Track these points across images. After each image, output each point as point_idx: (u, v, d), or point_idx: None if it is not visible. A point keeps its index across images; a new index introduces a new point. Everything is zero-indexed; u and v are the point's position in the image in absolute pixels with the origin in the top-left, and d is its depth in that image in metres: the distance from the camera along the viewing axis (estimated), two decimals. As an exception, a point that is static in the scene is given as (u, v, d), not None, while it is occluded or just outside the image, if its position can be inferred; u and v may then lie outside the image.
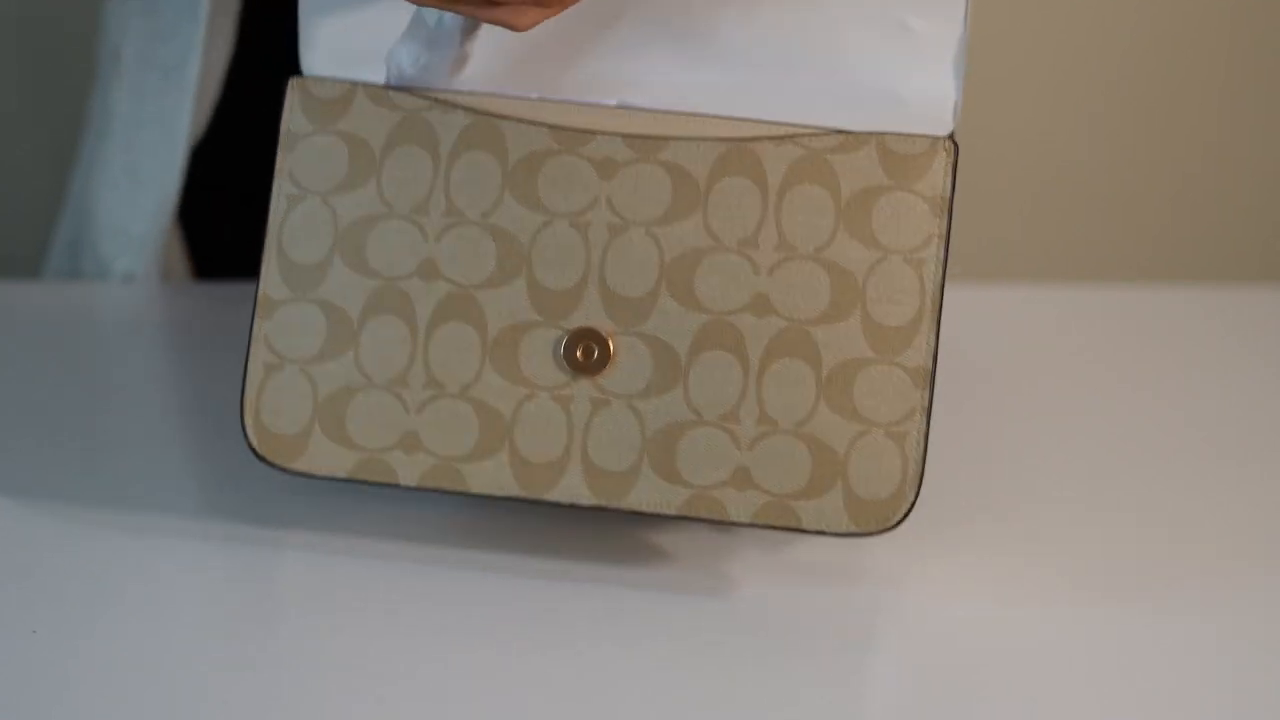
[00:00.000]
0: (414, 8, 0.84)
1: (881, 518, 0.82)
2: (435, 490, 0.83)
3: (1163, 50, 1.79)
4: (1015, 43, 1.78)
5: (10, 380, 1.07)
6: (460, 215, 0.84)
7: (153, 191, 1.16)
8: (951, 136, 0.85)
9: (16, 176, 1.67)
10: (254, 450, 0.84)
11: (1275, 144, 1.81)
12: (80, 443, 0.97)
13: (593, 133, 0.84)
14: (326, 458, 0.84)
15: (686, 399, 0.83)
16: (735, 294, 0.83)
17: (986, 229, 1.75)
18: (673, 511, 0.83)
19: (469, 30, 0.84)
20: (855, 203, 0.83)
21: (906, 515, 0.82)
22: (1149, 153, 1.81)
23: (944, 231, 0.83)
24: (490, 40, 0.87)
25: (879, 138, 0.84)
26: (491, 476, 0.83)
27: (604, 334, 0.83)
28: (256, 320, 0.84)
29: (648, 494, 0.83)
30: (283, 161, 0.85)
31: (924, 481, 0.83)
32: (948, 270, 0.84)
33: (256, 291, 0.85)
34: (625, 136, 0.84)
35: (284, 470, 0.84)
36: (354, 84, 0.85)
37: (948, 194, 0.84)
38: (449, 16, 0.84)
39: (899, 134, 0.84)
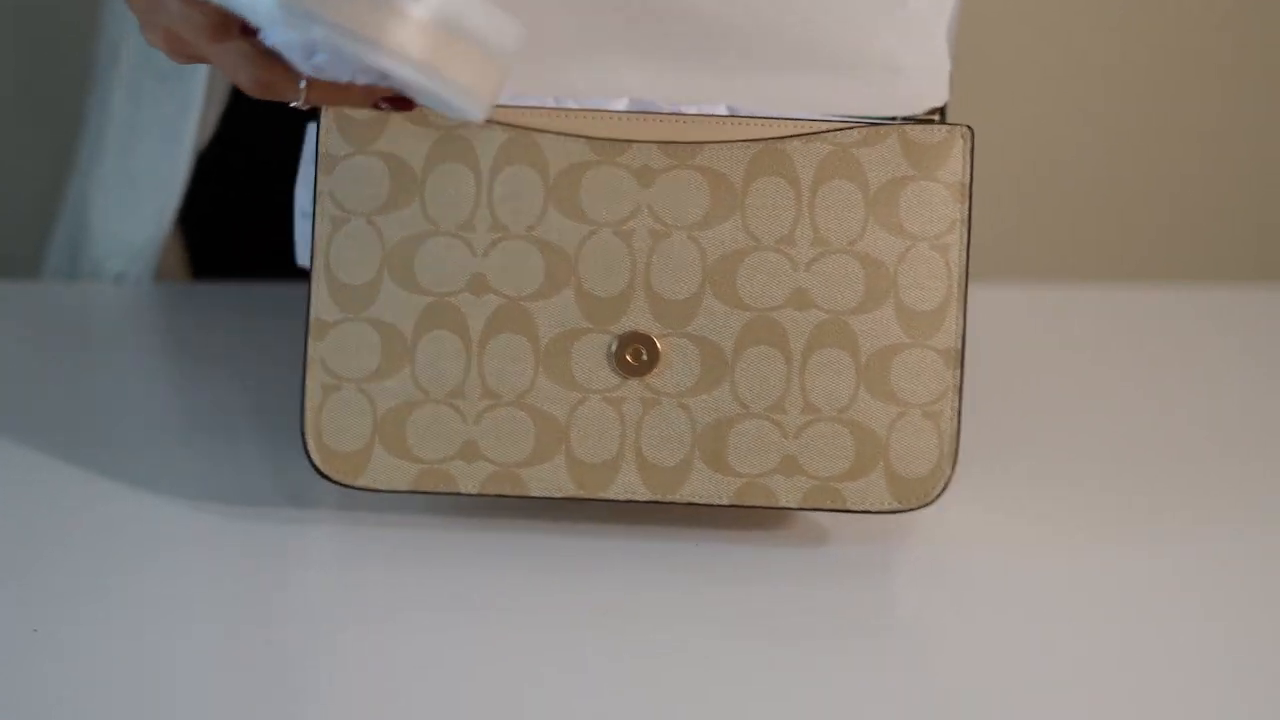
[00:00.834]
0: None
1: (922, 493, 0.87)
2: (496, 496, 0.86)
3: (1163, 50, 1.79)
4: (1016, 43, 1.78)
5: (8, 380, 1.07)
6: (506, 230, 0.85)
7: (151, 200, 1.14)
8: (968, 125, 0.88)
9: (14, 175, 1.64)
10: (318, 470, 0.86)
11: (1275, 144, 1.82)
12: (79, 443, 0.97)
13: (628, 142, 0.86)
14: (388, 472, 0.86)
15: (734, 393, 0.86)
16: (776, 290, 0.86)
17: (987, 229, 1.75)
18: (725, 501, 0.87)
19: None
20: (882, 194, 0.86)
21: (944, 489, 0.87)
22: (1149, 153, 1.81)
23: (966, 216, 0.87)
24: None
25: (900, 129, 0.87)
26: (549, 479, 0.86)
27: (652, 337, 0.86)
28: (310, 343, 0.86)
29: (701, 486, 0.86)
30: (323, 184, 0.86)
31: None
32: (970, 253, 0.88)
33: (307, 316, 0.86)
34: (659, 144, 0.86)
35: (348, 487, 0.86)
36: None
37: (967, 180, 0.87)
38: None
39: (919, 124, 0.87)
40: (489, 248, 0.86)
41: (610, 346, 0.86)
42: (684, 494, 0.86)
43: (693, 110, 0.89)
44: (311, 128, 0.89)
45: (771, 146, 0.86)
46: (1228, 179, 1.82)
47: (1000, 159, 1.78)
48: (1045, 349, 1.21)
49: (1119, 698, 0.78)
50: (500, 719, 0.75)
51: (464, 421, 0.86)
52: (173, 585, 0.84)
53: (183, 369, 1.11)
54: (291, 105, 0.79)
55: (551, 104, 0.89)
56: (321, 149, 0.86)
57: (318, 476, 0.87)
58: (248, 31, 0.77)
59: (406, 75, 0.74)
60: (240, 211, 1.22)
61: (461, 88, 0.75)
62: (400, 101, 0.80)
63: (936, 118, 0.94)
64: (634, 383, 0.86)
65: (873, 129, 0.87)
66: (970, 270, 0.88)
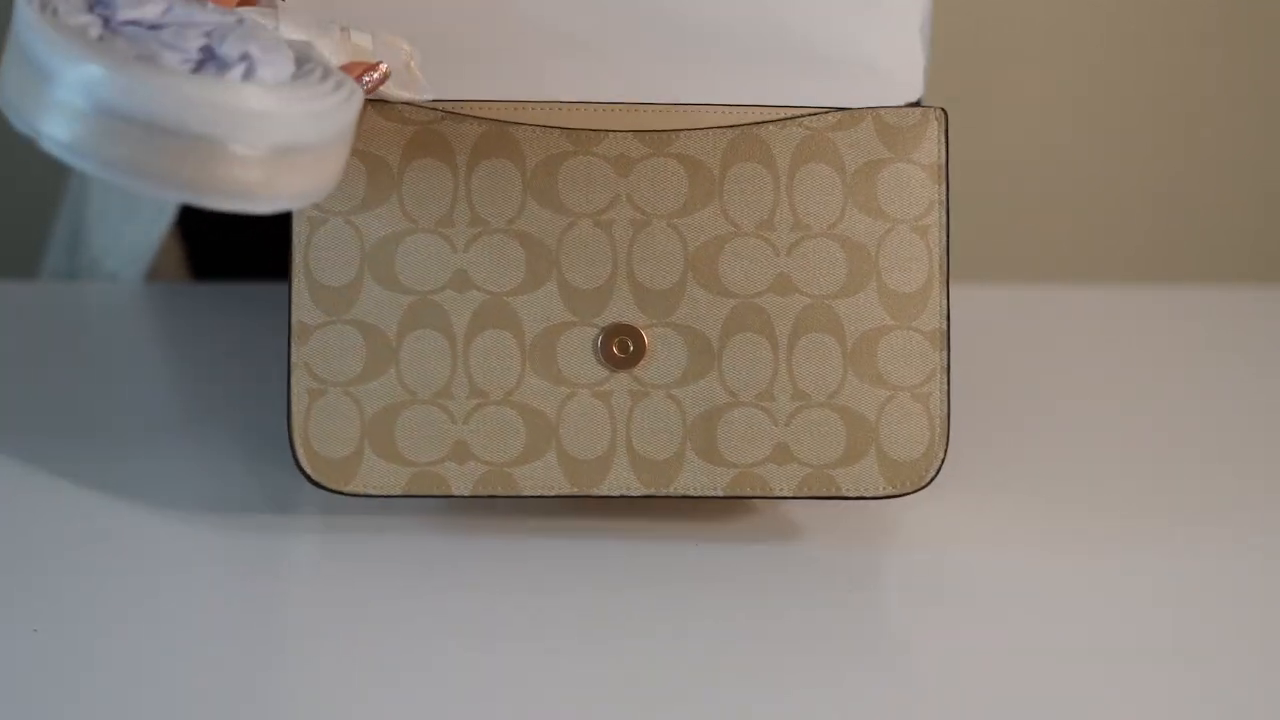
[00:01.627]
0: None
1: (916, 477, 0.86)
2: (488, 497, 0.85)
3: (1163, 51, 1.80)
4: (1017, 43, 1.79)
5: (8, 379, 1.07)
6: (485, 224, 0.85)
7: (150, 202, 1.14)
8: (942, 107, 0.88)
9: (14, 175, 1.63)
10: (308, 477, 0.85)
11: (1275, 144, 1.83)
12: (77, 443, 0.97)
13: (604, 132, 0.85)
14: (380, 476, 0.85)
15: (722, 382, 0.85)
16: (758, 276, 0.85)
17: (987, 229, 1.77)
18: (720, 492, 0.86)
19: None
20: (860, 177, 0.86)
21: (937, 473, 0.86)
22: (1147, 153, 1.82)
23: (943, 197, 0.87)
24: (458, 46, 0.89)
25: (874, 112, 0.87)
26: (542, 477, 0.85)
27: (637, 328, 0.85)
28: (293, 347, 0.85)
29: (694, 478, 0.85)
30: None
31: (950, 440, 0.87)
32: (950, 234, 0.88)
33: (289, 319, 0.85)
34: (636, 133, 0.85)
35: (339, 493, 0.85)
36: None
37: (943, 161, 0.87)
38: None
39: (893, 107, 0.87)
40: (469, 243, 0.85)
41: (596, 339, 0.85)
42: (677, 487, 0.85)
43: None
44: None
45: (747, 132, 0.86)
46: (1226, 179, 1.83)
47: (998, 159, 1.78)
48: (1041, 350, 1.21)
49: (1116, 694, 0.77)
50: None
51: (453, 421, 0.85)
52: (174, 584, 0.83)
53: (181, 369, 1.11)
54: None
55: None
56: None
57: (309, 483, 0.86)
58: None
59: (238, 207, 0.74)
60: (239, 212, 1.21)
61: (295, 195, 0.75)
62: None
63: None
64: (622, 375, 0.85)
65: (847, 113, 0.87)
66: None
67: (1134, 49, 1.80)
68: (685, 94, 0.91)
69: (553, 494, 0.85)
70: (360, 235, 0.85)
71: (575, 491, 0.85)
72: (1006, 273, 1.78)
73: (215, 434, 0.99)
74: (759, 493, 0.86)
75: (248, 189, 0.73)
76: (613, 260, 0.85)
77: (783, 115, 0.86)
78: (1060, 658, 0.79)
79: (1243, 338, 1.26)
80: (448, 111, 0.85)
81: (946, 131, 0.87)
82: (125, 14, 0.76)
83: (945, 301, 0.87)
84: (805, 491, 0.86)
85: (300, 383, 0.85)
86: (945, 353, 0.87)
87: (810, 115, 0.86)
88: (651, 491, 0.86)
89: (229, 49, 0.74)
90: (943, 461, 0.86)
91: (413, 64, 0.85)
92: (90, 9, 0.76)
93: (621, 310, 0.85)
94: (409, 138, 0.85)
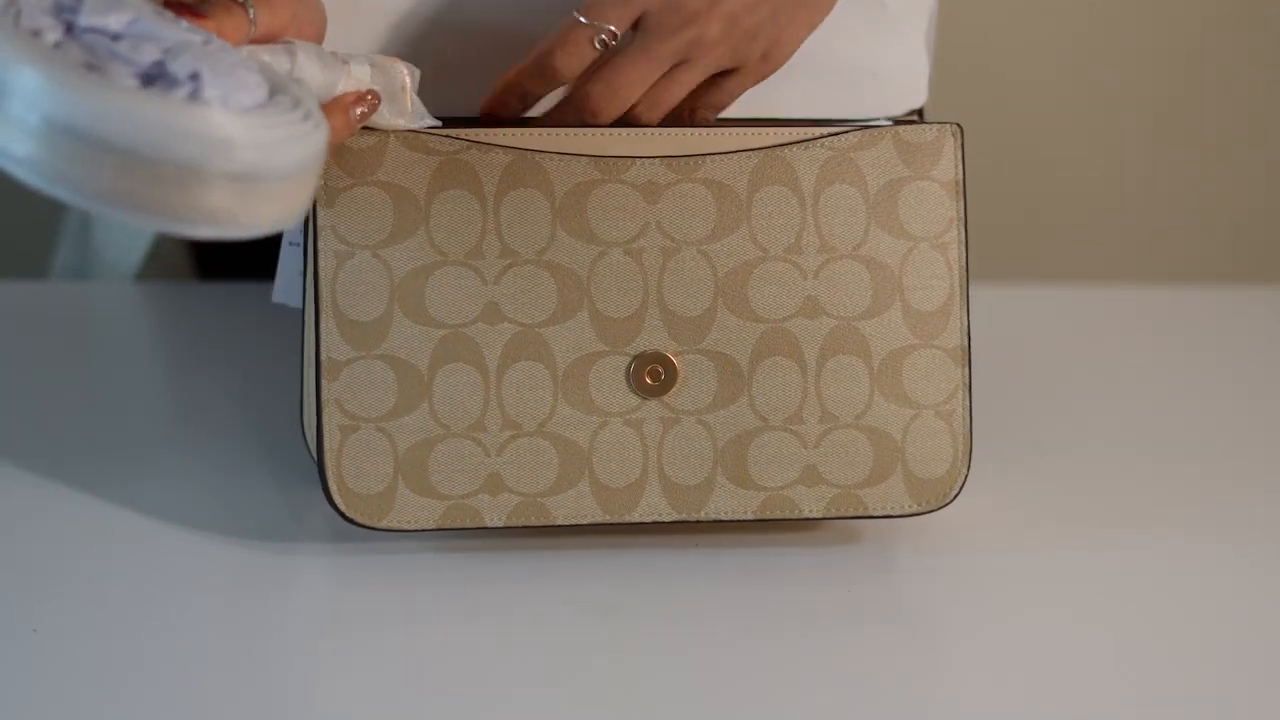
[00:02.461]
0: None
1: (940, 494, 0.87)
2: (522, 528, 0.85)
3: (1164, 52, 1.79)
4: (1017, 44, 1.78)
5: (13, 378, 1.06)
6: (515, 255, 0.84)
7: None
8: (957, 123, 0.88)
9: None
10: (341, 514, 0.84)
11: (1275, 144, 1.83)
12: (81, 441, 0.97)
13: (631, 158, 0.84)
14: (413, 511, 0.84)
15: (752, 407, 0.86)
16: (787, 300, 0.85)
17: (987, 229, 1.75)
18: (750, 516, 0.86)
19: None
20: (882, 196, 0.86)
21: (961, 489, 0.87)
22: (1150, 154, 1.82)
23: (962, 214, 0.87)
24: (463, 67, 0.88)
25: (894, 130, 0.86)
26: (575, 506, 0.85)
27: (669, 355, 0.85)
28: (323, 383, 0.84)
29: (725, 502, 0.86)
30: (324, 217, 0.84)
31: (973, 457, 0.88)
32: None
33: (318, 355, 0.84)
34: (663, 159, 0.85)
35: (373, 529, 0.84)
36: (384, 131, 0.84)
37: (960, 177, 0.87)
38: None
39: (910, 124, 0.87)
40: (500, 275, 0.84)
41: (628, 368, 0.85)
42: (709, 512, 0.86)
43: None
44: None
45: (772, 155, 0.85)
46: (1226, 179, 1.83)
47: (1001, 159, 1.78)
48: (1045, 349, 1.22)
49: (1126, 692, 0.79)
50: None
51: (486, 454, 0.84)
52: (174, 584, 0.83)
53: (186, 369, 1.10)
54: None
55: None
56: (320, 181, 0.83)
57: (321, 492, 0.85)
58: None
59: (204, 233, 0.71)
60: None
61: (264, 222, 0.72)
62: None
63: (915, 118, 0.95)
64: (653, 403, 0.85)
65: (867, 132, 0.86)
66: (971, 270, 0.89)
67: (1134, 50, 1.81)
68: None
69: (585, 522, 0.85)
70: (389, 269, 0.84)
71: (607, 519, 0.85)
72: (1006, 273, 1.78)
73: (220, 433, 0.98)
74: (788, 515, 0.86)
75: (212, 215, 0.70)
76: (643, 288, 0.85)
77: (805, 136, 0.86)
78: (1079, 657, 0.81)
79: (1243, 338, 1.27)
80: (473, 140, 0.84)
81: (963, 147, 0.87)
82: (88, 20, 0.72)
83: (966, 318, 0.87)
84: (833, 512, 0.87)
85: (331, 419, 0.84)
86: (967, 369, 0.87)
87: (832, 135, 0.86)
88: (683, 517, 0.86)
89: (179, 67, 0.71)
90: (965, 478, 0.87)
91: (408, 87, 0.84)
92: (55, 13, 0.72)
93: (653, 338, 0.85)
94: (435, 168, 0.84)
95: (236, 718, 0.74)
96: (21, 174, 0.68)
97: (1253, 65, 1.81)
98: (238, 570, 0.85)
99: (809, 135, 0.86)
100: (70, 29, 0.72)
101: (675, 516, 0.86)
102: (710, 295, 0.85)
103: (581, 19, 0.84)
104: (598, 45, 0.84)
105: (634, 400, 0.85)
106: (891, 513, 0.87)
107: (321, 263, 0.84)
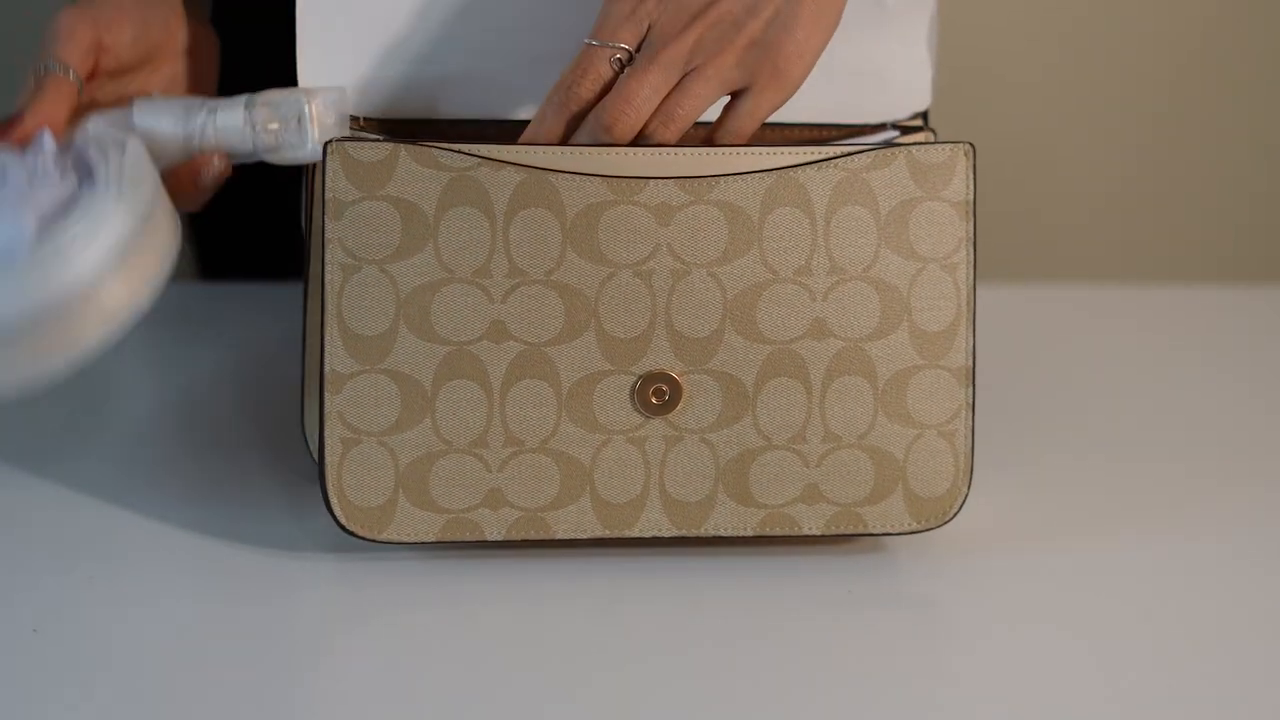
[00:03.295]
0: None
1: (939, 513, 0.88)
2: (521, 541, 0.85)
3: (1164, 52, 1.77)
4: (1018, 45, 1.75)
5: None
6: (524, 274, 0.83)
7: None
8: (970, 142, 0.87)
9: None
10: (341, 525, 0.84)
11: (1274, 144, 1.81)
12: (82, 441, 0.97)
13: (645, 179, 0.84)
14: (413, 524, 0.84)
15: (756, 426, 0.86)
16: (795, 322, 0.85)
17: (988, 230, 1.73)
18: (750, 533, 0.86)
19: None
20: (893, 218, 0.86)
21: (961, 507, 0.88)
22: (1150, 153, 1.79)
23: (971, 234, 0.87)
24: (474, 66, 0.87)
25: (907, 151, 0.86)
26: (575, 521, 0.85)
27: (674, 375, 0.85)
28: (326, 396, 0.83)
29: (725, 519, 0.86)
30: (331, 230, 0.83)
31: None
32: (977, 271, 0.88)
33: (322, 368, 0.83)
34: (677, 180, 0.84)
35: (374, 541, 0.84)
36: (395, 144, 0.83)
37: (971, 198, 0.87)
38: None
39: (923, 143, 0.86)
40: (507, 294, 0.83)
41: (633, 387, 0.85)
42: (709, 528, 0.86)
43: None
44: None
45: (785, 176, 0.85)
46: (1227, 179, 1.82)
47: (1001, 159, 1.77)
48: (1045, 348, 1.22)
49: (1127, 692, 0.79)
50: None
51: (488, 470, 0.84)
52: (174, 583, 0.83)
53: (188, 367, 1.10)
54: None
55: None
56: (328, 194, 0.83)
57: (327, 512, 0.85)
58: None
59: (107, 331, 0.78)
60: (249, 212, 1.18)
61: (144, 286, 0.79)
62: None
63: (921, 123, 0.94)
64: (657, 421, 0.85)
65: (881, 151, 0.86)
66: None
67: (1134, 50, 1.78)
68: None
69: (585, 537, 0.85)
70: (395, 284, 0.83)
71: (607, 534, 0.86)
72: (1006, 273, 1.77)
73: (220, 432, 0.98)
74: (788, 532, 0.87)
75: (114, 313, 0.77)
76: (651, 310, 0.84)
77: (818, 156, 0.85)
78: (1079, 657, 0.81)
79: (1243, 338, 1.27)
80: (484, 157, 0.83)
81: (974, 167, 0.87)
82: None
83: (971, 338, 0.87)
84: (833, 530, 0.87)
85: (334, 432, 0.84)
86: (971, 389, 0.87)
87: (846, 155, 0.85)
88: (683, 533, 0.86)
89: None
90: (965, 497, 0.88)
91: (314, 116, 0.84)
92: None
93: (659, 359, 0.85)
94: (445, 184, 0.83)
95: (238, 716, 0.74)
96: None
97: (1253, 65, 1.79)
98: (237, 573, 0.85)
99: (822, 155, 0.85)
100: None
101: (675, 532, 0.86)
102: (718, 317, 0.85)
103: (594, 42, 0.84)
104: (614, 65, 0.84)
105: (638, 419, 0.85)
106: (891, 530, 0.87)
107: (328, 275, 0.83)
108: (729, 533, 0.86)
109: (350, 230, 0.83)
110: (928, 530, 0.88)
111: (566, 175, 0.83)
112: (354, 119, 0.88)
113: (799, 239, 0.85)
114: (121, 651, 0.78)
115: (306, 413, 0.89)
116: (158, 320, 1.15)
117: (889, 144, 0.86)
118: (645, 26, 0.84)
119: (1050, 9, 1.76)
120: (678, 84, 0.84)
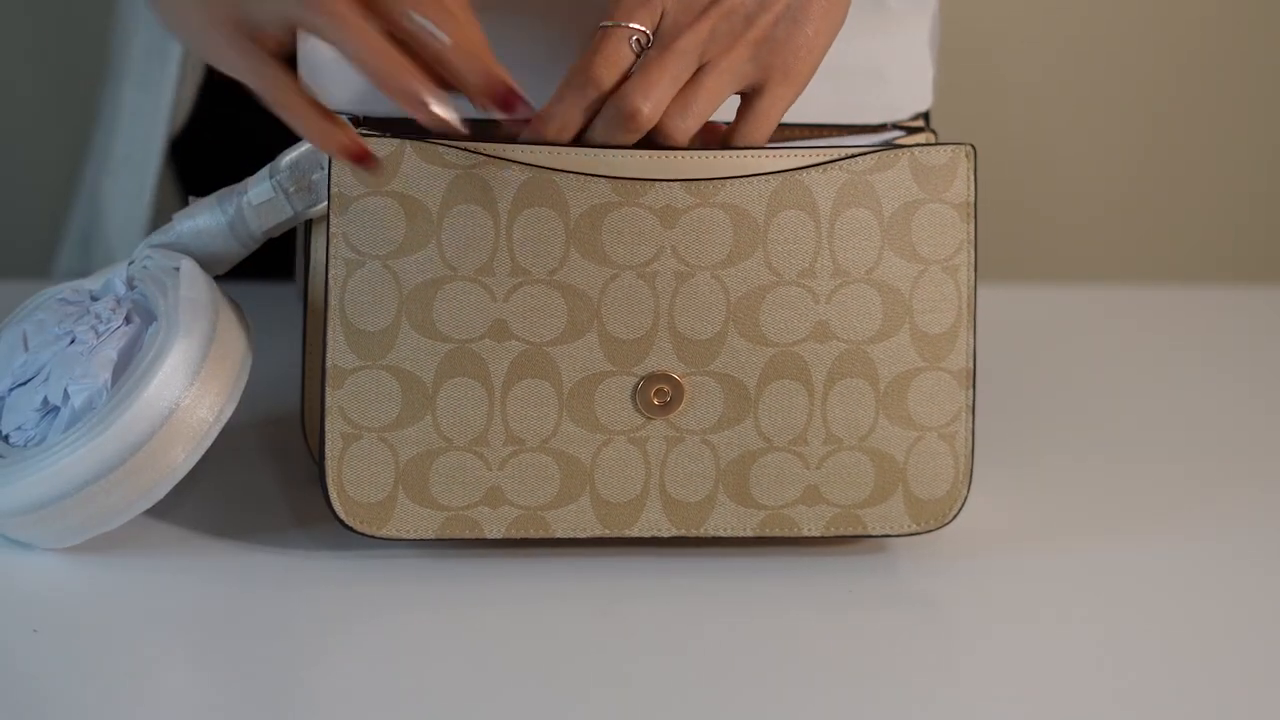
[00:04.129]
0: None
1: (939, 515, 0.88)
2: (520, 539, 0.85)
3: (1164, 52, 1.76)
4: (1019, 45, 1.74)
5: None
6: (527, 274, 0.83)
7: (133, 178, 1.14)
8: (971, 144, 0.87)
9: (27, 174, 1.60)
10: (340, 520, 0.84)
11: (1275, 144, 1.80)
12: None
13: (650, 181, 0.84)
14: (412, 521, 0.84)
15: (757, 428, 0.86)
16: (798, 325, 0.85)
17: (988, 230, 1.73)
18: (749, 533, 0.87)
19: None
20: (896, 220, 0.86)
21: (961, 509, 0.88)
22: (1150, 152, 1.79)
23: (972, 236, 0.87)
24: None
25: (910, 152, 0.86)
26: (575, 520, 0.85)
27: (676, 377, 0.85)
28: (328, 391, 0.83)
29: (725, 520, 0.86)
30: (336, 224, 0.83)
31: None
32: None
33: (324, 362, 0.83)
34: (682, 182, 0.84)
35: (371, 537, 0.84)
36: (401, 141, 0.83)
37: (972, 199, 0.87)
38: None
39: (925, 145, 0.86)
40: (510, 293, 0.83)
41: (634, 387, 0.85)
42: (708, 528, 0.86)
43: None
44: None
45: (790, 179, 0.85)
46: (1227, 179, 1.82)
47: (1001, 159, 1.76)
48: (1045, 348, 1.22)
49: (1128, 693, 0.79)
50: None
51: (488, 468, 0.84)
52: (174, 583, 0.83)
53: None
54: None
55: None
56: (334, 189, 0.83)
57: (329, 510, 0.85)
58: None
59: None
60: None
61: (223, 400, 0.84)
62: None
63: (923, 124, 0.94)
64: (658, 422, 0.85)
65: (885, 153, 0.86)
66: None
67: (1134, 50, 1.77)
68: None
69: (584, 535, 0.86)
70: (398, 280, 0.83)
71: (606, 533, 0.86)
72: (1006, 273, 1.77)
73: (220, 432, 0.97)
74: (788, 533, 0.87)
75: (199, 432, 0.83)
76: (654, 311, 0.84)
77: (823, 158, 0.85)
78: (1080, 657, 0.82)
79: (1243, 338, 1.27)
80: (489, 156, 0.83)
81: (975, 169, 0.87)
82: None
83: (972, 340, 0.87)
84: (833, 531, 0.87)
85: (335, 427, 0.84)
86: (971, 391, 0.88)
87: (850, 157, 0.85)
88: (682, 533, 0.86)
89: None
90: (965, 499, 0.88)
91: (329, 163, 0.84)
92: None
93: (661, 360, 0.85)
94: (450, 182, 0.83)
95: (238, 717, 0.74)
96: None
97: (1253, 65, 1.79)
98: (239, 566, 0.85)
99: (827, 157, 0.85)
100: None
101: (674, 532, 0.86)
102: (722, 319, 0.85)
103: (610, 24, 0.83)
104: (633, 47, 0.83)
105: (639, 419, 0.85)
106: (890, 532, 0.88)
107: (331, 269, 0.83)
108: (728, 533, 0.86)
109: (354, 225, 0.83)
110: (927, 532, 0.88)
111: (571, 175, 0.83)
112: (354, 119, 0.88)
113: (804, 242, 0.85)
114: (121, 651, 0.78)
115: (307, 414, 0.89)
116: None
117: (891, 145, 0.86)
118: (660, 12, 0.83)
119: (1051, 9, 1.76)
120: (692, 77, 0.84)
